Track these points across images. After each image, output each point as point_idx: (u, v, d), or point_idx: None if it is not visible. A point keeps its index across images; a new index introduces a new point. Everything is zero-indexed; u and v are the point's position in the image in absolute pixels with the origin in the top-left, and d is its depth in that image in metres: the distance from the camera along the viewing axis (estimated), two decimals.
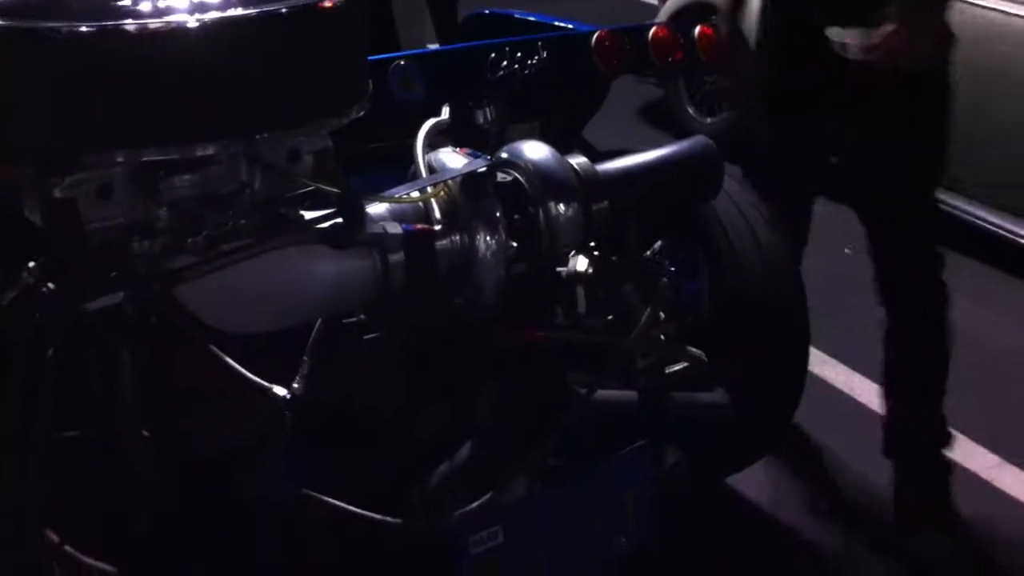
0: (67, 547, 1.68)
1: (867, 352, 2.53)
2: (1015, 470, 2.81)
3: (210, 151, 1.56)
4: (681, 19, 3.98)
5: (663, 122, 5.10)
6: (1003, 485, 2.77)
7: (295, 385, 1.75)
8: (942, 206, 2.71)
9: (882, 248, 2.46)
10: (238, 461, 1.79)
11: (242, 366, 1.70)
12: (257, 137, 1.59)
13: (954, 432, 2.85)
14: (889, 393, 2.56)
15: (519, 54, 2.40)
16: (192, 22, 1.49)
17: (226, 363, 1.68)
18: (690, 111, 5.00)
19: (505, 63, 2.38)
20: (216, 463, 1.80)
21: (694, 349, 2.12)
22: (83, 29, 1.46)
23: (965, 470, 2.79)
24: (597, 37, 2.54)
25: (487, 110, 2.32)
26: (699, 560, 2.38)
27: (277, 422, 1.73)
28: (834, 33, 2.20)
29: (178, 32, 1.48)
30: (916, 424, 2.56)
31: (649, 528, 2.06)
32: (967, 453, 2.84)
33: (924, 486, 2.56)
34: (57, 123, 1.50)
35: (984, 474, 2.80)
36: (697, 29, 2.64)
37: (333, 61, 1.64)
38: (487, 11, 3.14)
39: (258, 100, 1.55)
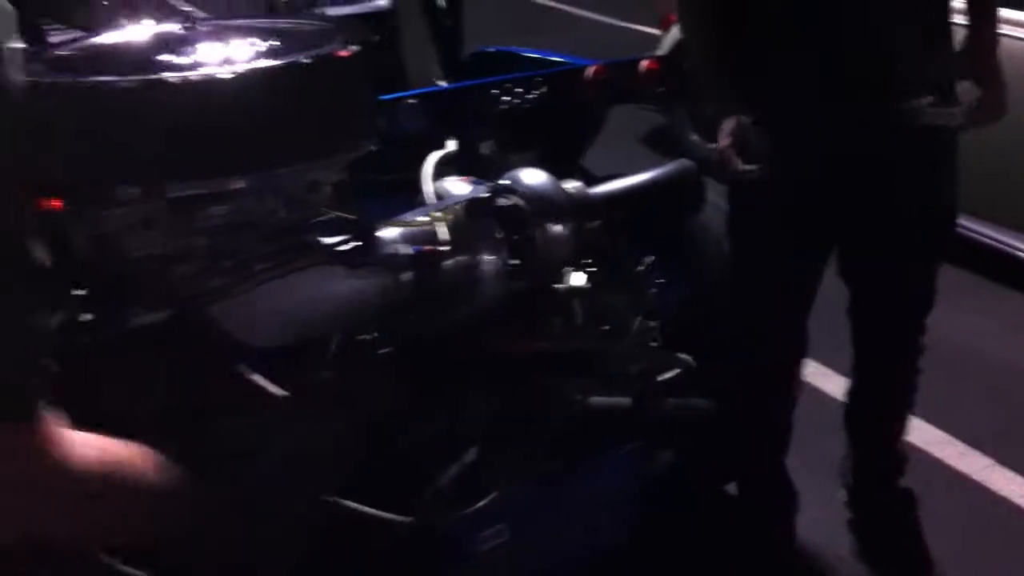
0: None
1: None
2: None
3: (240, 185, 1.77)
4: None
5: (665, 148, 5.11)
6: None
7: (314, 397, 1.91)
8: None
9: (891, 289, 2.36)
10: (251, 468, 1.93)
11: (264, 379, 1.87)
12: (280, 171, 1.80)
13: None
14: (852, 430, 2.56)
15: (519, 89, 2.58)
16: (225, 73, 1.71)
17: (250, 378, 1.85)
18: (693, 137, 5.02)
19: (506, 98, 2.56)
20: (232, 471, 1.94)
21: (683, 355, 2.29)
22: (128, 83, 1.67)
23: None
24: (591, 71, 2.73)
25: (490, 142, 2.52)
26: (688, 555, 2.48)
27: (290, 430, 1.88)
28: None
29: (213, 82, 1.70)
30: (878, 465, 2.58)
31: (642, 525, 2.20)
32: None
33: (889, 521, 2.56)
34: (106, 163, 1.70)
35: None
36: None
37: (346, 103, 1.86)
38: (490, 48, 3.33)
39: (282, 139, 1.76)
